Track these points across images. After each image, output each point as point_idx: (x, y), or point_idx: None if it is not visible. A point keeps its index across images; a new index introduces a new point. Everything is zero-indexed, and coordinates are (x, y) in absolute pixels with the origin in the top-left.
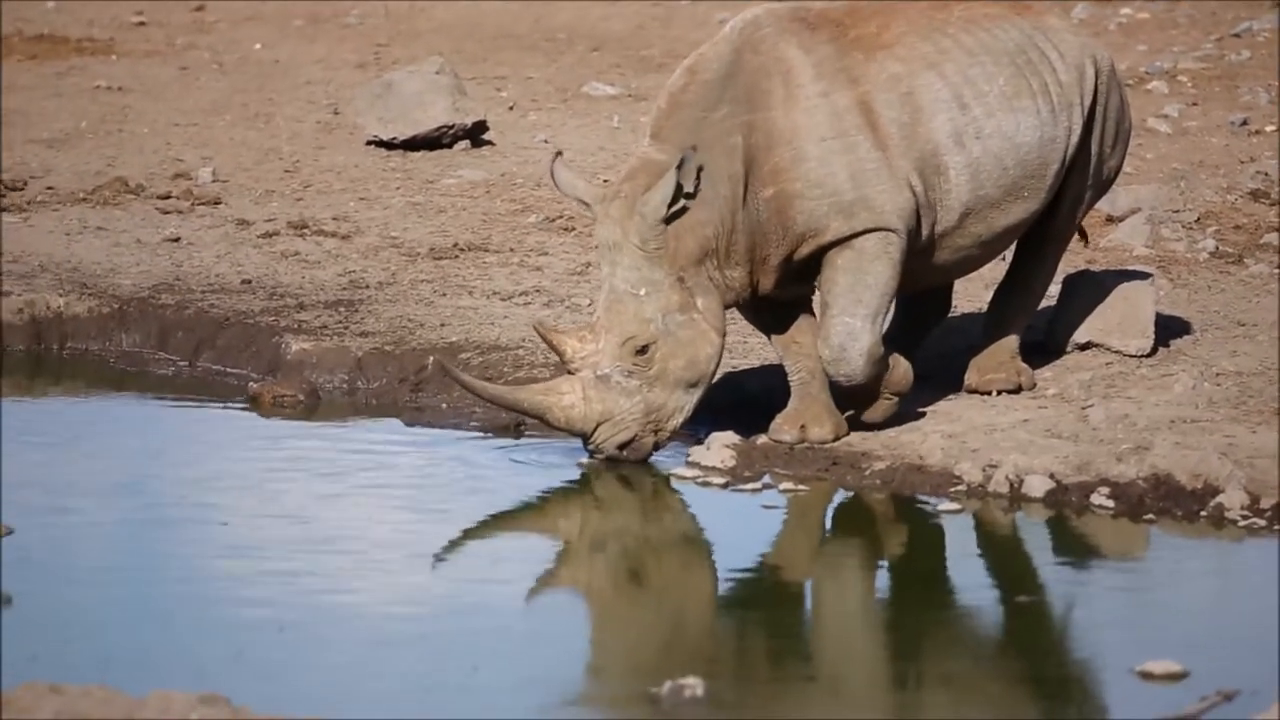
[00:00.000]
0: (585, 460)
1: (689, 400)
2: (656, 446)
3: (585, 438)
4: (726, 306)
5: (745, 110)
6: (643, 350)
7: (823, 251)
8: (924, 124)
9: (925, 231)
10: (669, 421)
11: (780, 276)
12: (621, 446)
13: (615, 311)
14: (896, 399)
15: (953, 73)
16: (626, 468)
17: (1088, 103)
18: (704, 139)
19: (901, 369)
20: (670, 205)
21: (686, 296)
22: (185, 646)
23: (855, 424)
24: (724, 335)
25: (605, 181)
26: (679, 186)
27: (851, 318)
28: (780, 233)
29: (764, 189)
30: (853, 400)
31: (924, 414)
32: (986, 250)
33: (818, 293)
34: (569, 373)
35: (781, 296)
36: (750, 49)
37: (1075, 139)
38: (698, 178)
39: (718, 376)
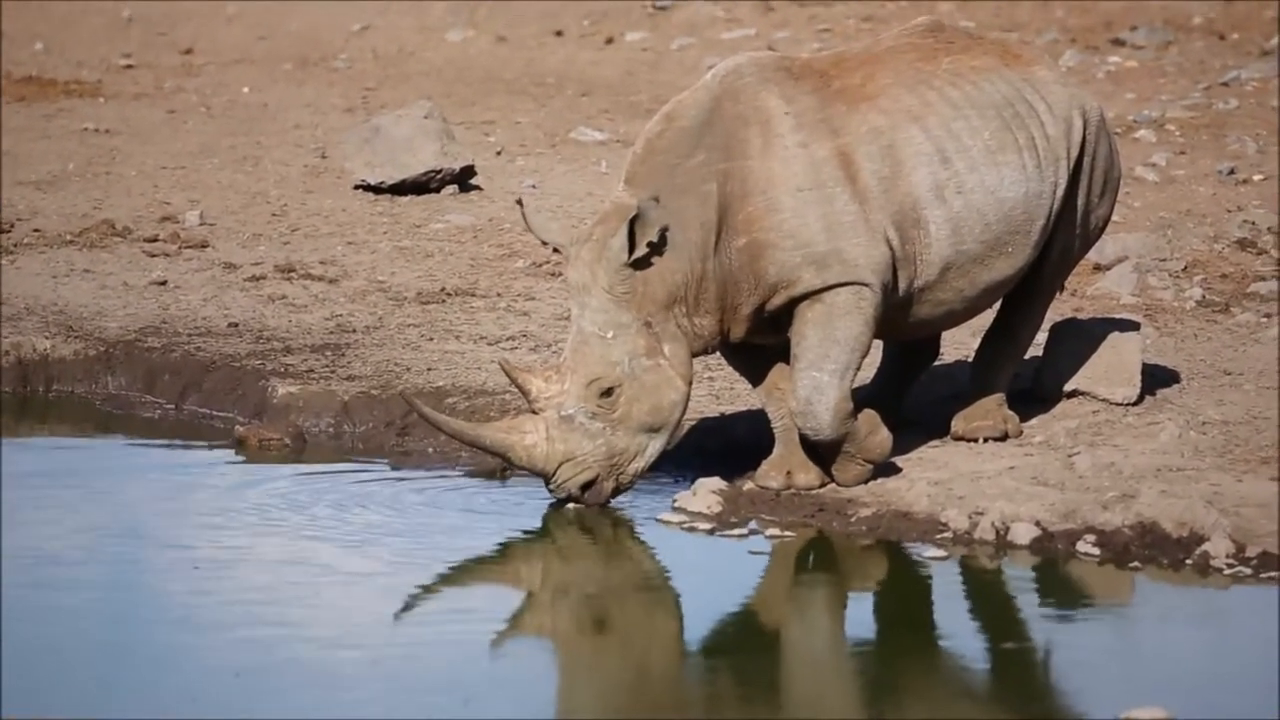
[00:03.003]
0: (572, 507)
1: (652, 445)
2: (617, 491)
3: (546, 478)
4: (695, 355)
5: (722, 158)
6: (607, 393)
7: (795, 303)
8: (904, 178)
9: (904, 286)
10: (630, 465)
11: (752, 326)
12: (583, 488)
13: (582, 353)
14: (869, 466)
15: (936, 126)
16: (613, 514)
17: (1074, 155)
18: (677, 185)
19: (880, 436)
20: (631, 252)
21: (653, 342)
22: (167, 686)
23: None
24: (690, 383)
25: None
26: (633, 235)
27: (819, 372)
28: (752, 283)
29: (737, 238)
30: (823, 453)
31: (910, 461)
32: (971, 305)
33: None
34: (533, 412)
35: (758, 344)
36: (730, 97)
37: (1061, 193)
38: (664, 232)
39: (705, 422)
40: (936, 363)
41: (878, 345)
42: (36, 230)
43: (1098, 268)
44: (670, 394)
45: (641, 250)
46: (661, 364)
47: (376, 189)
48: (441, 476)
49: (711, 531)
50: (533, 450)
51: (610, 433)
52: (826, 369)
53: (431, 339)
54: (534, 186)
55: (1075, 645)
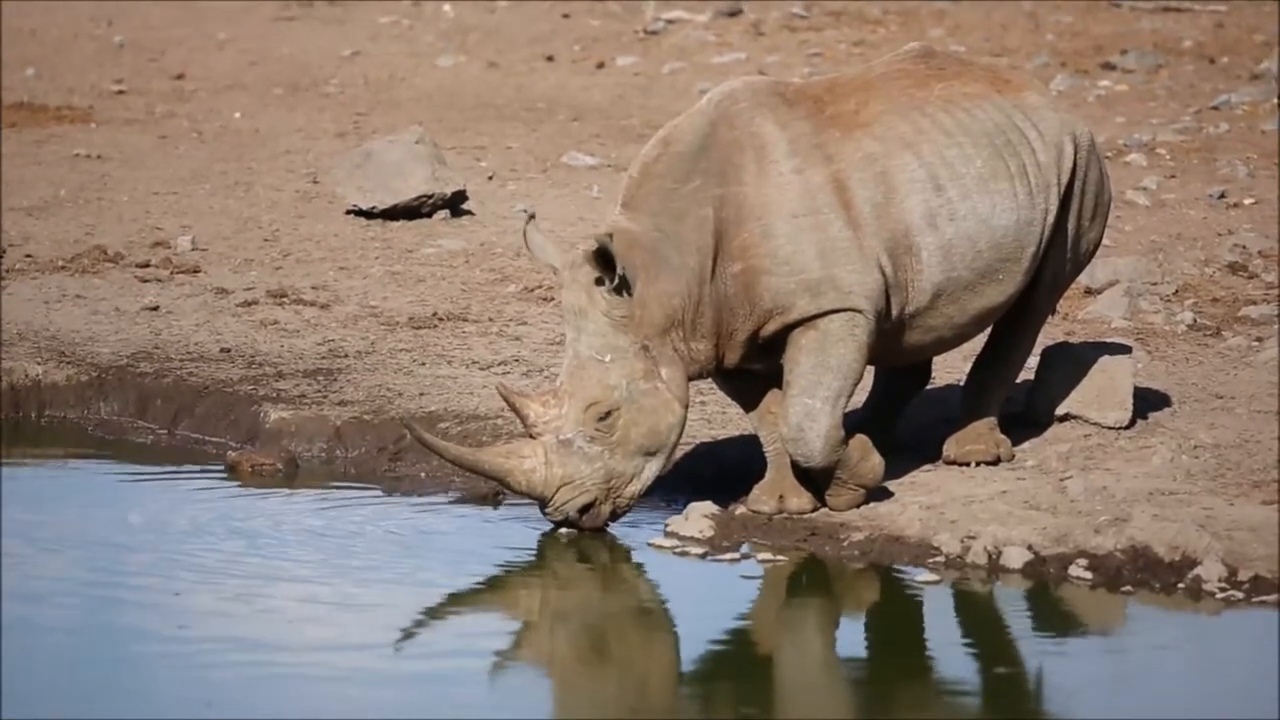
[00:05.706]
0: (564, 531)
1: (649, 468)
2: (614, 515)
3: (544, 502)
4: (691, 379)
5: (717, 184)
6: (605, 416)
7: (788, 329)
8: (897, 204)
9: (895, 312)
10: (627, 488)
11: (746, 352)
12: (581, 511)
13: (579, 377)
14: (862, 491)
15: (929, 153)
16: (605, 539)
17: (1065, 181)
18: (673, 210)
19: (871, 462)
20: (611, 279)
21: (650, 365)
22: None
23: None
24: (687, 406)
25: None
26: (612, 262)
27: (811, 399)
28: (747, 308)
29: (732, 264)
30: (815, 477)
31: (903, 485)
32: (961, 331)
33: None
34: (531, 437)
35: (752, 369)
36: (725, 123)
37: (1052, 219)
38: (626, 277)
39: (698, 446)
40: (928, 387)
41: (869, 370)
42: (29, 256)
43: (1089, 292)
44: (668, 417)
45: (616, 280)
46: (659, 387)
47: (368, 214)
48: (433, 502)
49: (704, 556)
50: (531, 475)
51: (608, 456)
52: (819, 395)
53: (423, 364)
54: (525, 211)
55: (1067, 670)
